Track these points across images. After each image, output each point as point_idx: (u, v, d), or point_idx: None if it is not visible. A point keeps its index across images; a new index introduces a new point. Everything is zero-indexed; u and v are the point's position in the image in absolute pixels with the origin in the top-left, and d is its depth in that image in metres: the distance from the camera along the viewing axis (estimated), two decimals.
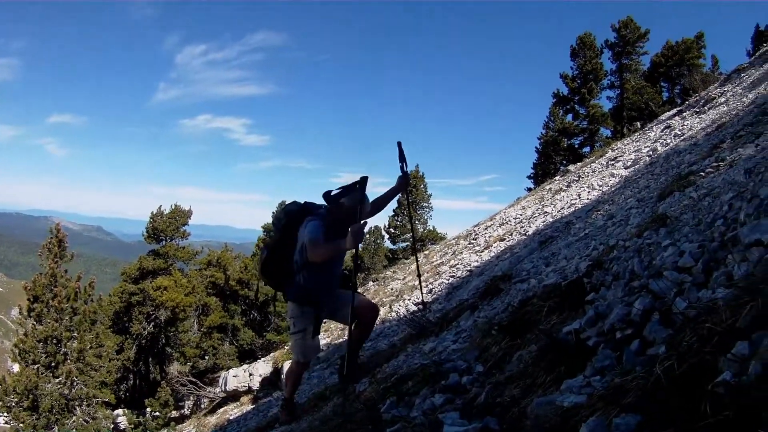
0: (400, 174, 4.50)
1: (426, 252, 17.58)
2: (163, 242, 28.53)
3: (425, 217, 36.27)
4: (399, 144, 4.51)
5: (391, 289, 13.44)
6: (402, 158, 4.49)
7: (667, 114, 17.65)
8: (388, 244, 37.23)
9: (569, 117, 36.54)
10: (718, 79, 17.85)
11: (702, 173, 5.50)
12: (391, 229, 36.48)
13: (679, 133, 11.84)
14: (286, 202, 4.50)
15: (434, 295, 9.37)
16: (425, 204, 36.17)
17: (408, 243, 34.67)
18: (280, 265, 4.24)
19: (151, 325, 26.31)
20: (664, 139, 12.13)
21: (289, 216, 4.21)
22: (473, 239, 13.59)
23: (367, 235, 35.80)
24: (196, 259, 29.79)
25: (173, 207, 29.20)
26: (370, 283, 17.05)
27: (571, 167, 17.85)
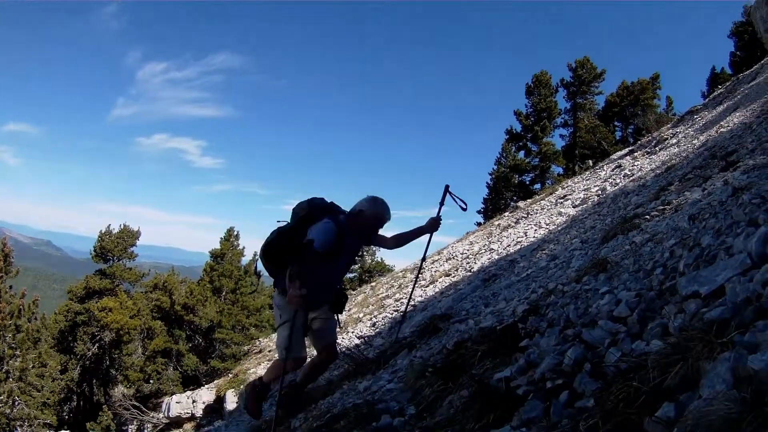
0: (434, 216, 4.81)
1: (373, 284, 18.49)
2: (111, 262, 30.59)
3: (373, 248, 36.74)
4: (446, 188, 5.05)
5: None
6: (442, 202, 4.99)
7: (619, 153, 18.77)
8: None
9: (521, 154, 39.83)
10: (672, 120, 19.31)
11: (647, 216, 5.73)
12: None
13: (629, 173, 12.58)
14: (277, 225, 4.55)
15: (377, 329, 9.85)
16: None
17: (356, 274, 35.77)
18: (283, 252, 4.31)
19: (95, 346, 27.88)
20: (614, 179, 12.90)
21: (312, 209, 4.39)
22: (421, 272, 13.89)
23: None
24: (142, 281, 31.67)
25: (122, 227, 31.29)
26: None
27: (521, 204, 18.68)
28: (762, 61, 18.84)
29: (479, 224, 28.50)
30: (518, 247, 10.82)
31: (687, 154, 10.18)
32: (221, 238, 32.91)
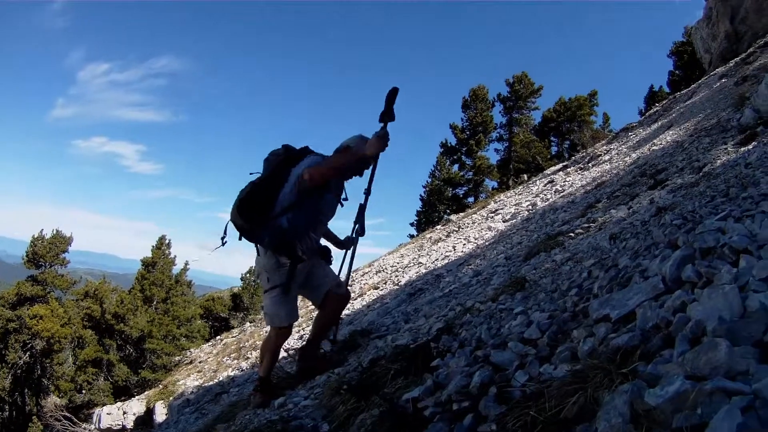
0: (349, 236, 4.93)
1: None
2: (43, 268, 31.42)
3: None
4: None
5: (265, 332, 13.89)
6: (359, 219, 4.79)
7: (553, 168, 19.54)
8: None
9: (455, 167, 42.02)
10: (607, 137, 20.32)
11: (572, 234, 5.87)
12: None
13: (560, 188, 13.09)
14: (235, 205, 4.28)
15: (304, 342, 9.67)
16: None
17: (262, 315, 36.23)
18: (261, 205, 4.17)
19: (27, 355, 28.59)
20: (545, 194, 13.39)
21: (288, 152, 4.33)
22: (349, 286, 14.10)
23: (248, 275, 39.34)
24: (74, 288, 32.45)
25: (54, 232, 32.06)
26: (247, 324, 18.61)
27: (453, 217, 19.25)
28: (700, 81, 19.95)
29: (412, 237, 29.96)
30: (446, 261, 11.15)
31: (618, 171, 10.63)
32: (153, 246, 33.91)
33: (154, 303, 31.87)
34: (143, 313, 30.40)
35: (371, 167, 4.50)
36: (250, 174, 4.33)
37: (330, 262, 4.71)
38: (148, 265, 32.98)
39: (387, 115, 4.20)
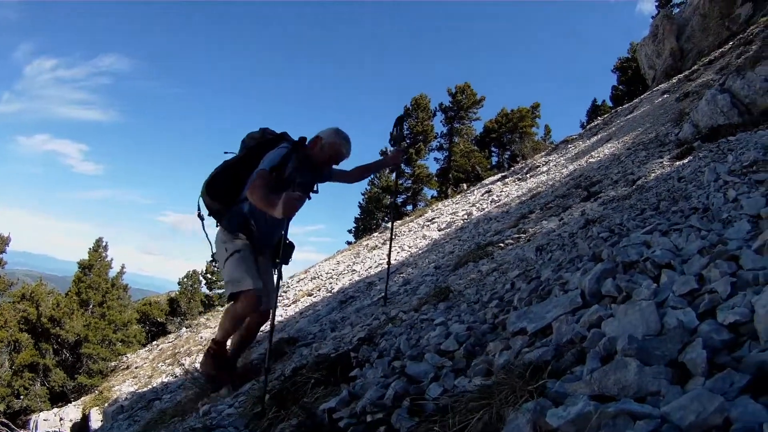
0: (397, 149, 5.08)
1: None
2: None
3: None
4: (399, 119, 5.44)
5: (201, 337, 15.04)
6: (396, 134, 4.85)
7: (491, 178, 20.02)
8: (204, 289, 42.25)
9: (394, 175, 41.91)
10: (548, 148, 21.01)
11: (501, 244, 5.94)
12: (208, 275, 41.56)
13: (497, 199, 13.38)
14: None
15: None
16: None
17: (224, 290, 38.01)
18: (230, 186, 4.21)
19: None
20: (481, 204, 13.72)
21: (265, 136, 4.34)
22: (284, 292, 15.13)
23: (185, 279, 40.54)
24: (10, 290, 32.02)
25: None
26: (183, 329, 19.27)
27: (389, 225, 19.56)
28: (642, 96, 20.69)
29: (350, 243, 30.63)
30: (379, 269, 11.36)
31: (554, 183, 10.93)
32: (90, 249, 34.07)
33: (91, 307, 31.92)
34: (79, 317, 30.31)
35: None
36: (225, 153, 4.32)
37: (286, 262, 4.39)
38: (84, 267, 32.97)
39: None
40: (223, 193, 4.21)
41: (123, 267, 36.16)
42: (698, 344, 1.51)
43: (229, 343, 4.60)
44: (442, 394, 2.18)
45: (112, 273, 34.58)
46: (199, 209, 4.27)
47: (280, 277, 3.90)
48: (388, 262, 6.50)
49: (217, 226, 4.33)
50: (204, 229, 4.36)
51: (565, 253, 3.66)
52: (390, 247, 6.74)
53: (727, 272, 1.94)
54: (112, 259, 34.48)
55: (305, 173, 4.22)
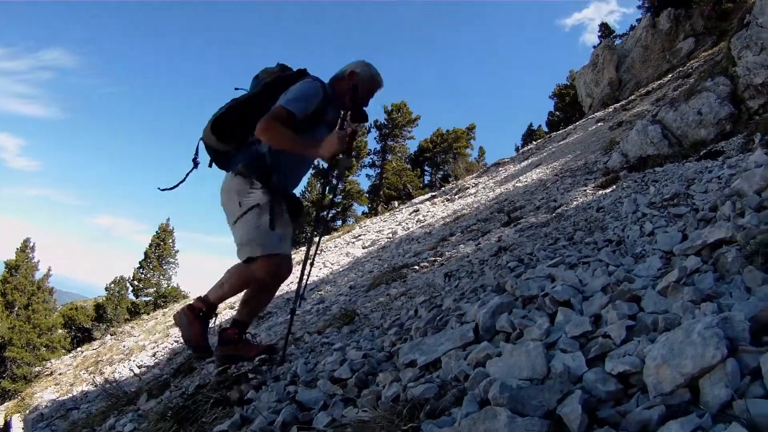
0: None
1: (166, 310, 20.33)
2: None
3: (170, 273, 42.05)
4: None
5: (124, 346, 15.07)
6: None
7: (421, 198, 20.37)
8: (131, 296, 41.85)
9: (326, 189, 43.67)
10: (480, 170, 21.50)
11: (417, 267, 5.90)
12: (135, 281, 41.29)
13: (423, 218, 13.52)
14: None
15: (157, 359, 10.52)
16: (171, 260, 42.42)
17: (151, 298, 39.74)
18: (241, 124, 3.64)
19: None
20: (407, 223, 13.82)
21: (284, 71, 3.85)
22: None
23: (112, 285, 40.11)
24: None
25: None
26: (108, 336, 19.51)
27: (315, 239, 19.92)
28: (577, 123, 21.30)
29: None
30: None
31: (479, 206, 11.10)
32: (17, 249, 34.12)
33: (16, 309, 31.91)
34: (4, 320, 30.32)
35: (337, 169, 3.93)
36: (236, 90, 3.84)
37: (298, 216, 4.01)
38: (11, 268, 32.97)
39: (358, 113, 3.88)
40: (233, 133, 3.70)
41: (50, 269, 36.26)
42: (576, 397, 1.40)
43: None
44: (329, 424, 2.16)
45: (39, 275, 34.73)
46: (196, 154, 3.75)
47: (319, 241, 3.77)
48: (301, 277, 6.23)
49: (226, 170, 3.78)
50: (185, 176, 3.80)
51: (471, 281, 3.60)
52: (303, 265, 6.46)
53: (626, 314, 1.86)
54: (39, 261, 34.75)
55: (335, 111, 3.88)
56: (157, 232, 42.99)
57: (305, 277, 4.04)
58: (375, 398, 2.18)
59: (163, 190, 3.84)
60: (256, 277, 3.63)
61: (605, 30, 40.28)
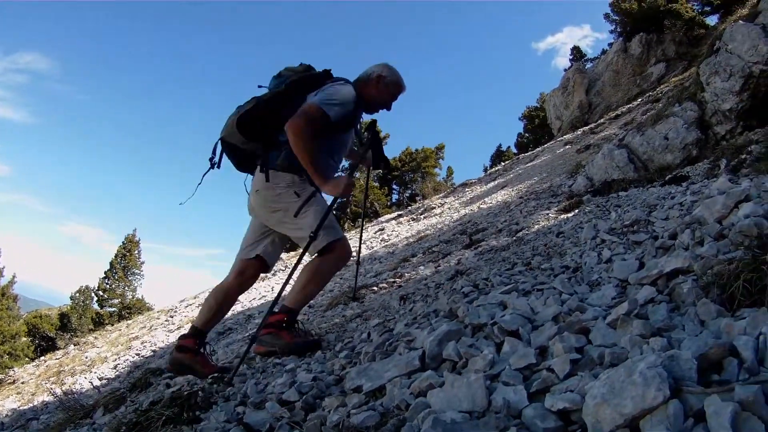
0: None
1: (129, 321, 20.59)
2: None
3: (135, 284, 42.44)
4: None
5: (87, 357, 15.05)
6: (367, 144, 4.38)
7: (387, 216, 20.51)
8: (96, 306, 41.97)
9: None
10: (447, 190, 21.70)
11: (375, 288, 5.88)
12: (100, 292, 41.45)
13: (387, 237, 13.58)
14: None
15: (118, 372, 10.45)
16: (137, 271, 42.79)
17: (115, 309, 40.08)
18: (267, 122, 3.71)
19: None
20: (371, 242, 13.87)
21: (309, 71, 3.89)
22: (171, 316, 15.65)
23: (77, 294, 40.26)
24: None
25: None
26: (72, 346, 19.49)
27: (283, 256, 19.85)
28: (545, 145, 21.57)
29: None
30: (262, 301, 11.46)
31: (443, 226, 11.18)
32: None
33: None
34: None
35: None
36: (259, 87, 3.87)
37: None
38: None
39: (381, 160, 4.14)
40: (260, 131, 3.74)
41: (14, 276, 36.57)
42: None
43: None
44: None
45: (4, 281, 35.05)
46: (213, 155, 3.78)
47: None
48: (358, 259, 6.15)
49: (261, 170, 3.76)
50: (201, 177, 3.87)
51: (425, 306, 3.56)
52: (360, 244, 6.45)
53: (573, 347, 1.82)
54: (4, 267, 35.00)
55: (360, 115, 4.02)
56: (123, 242, 43.20)
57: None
58: (320, 423, 2.14)
59: (182, 203, 4.05)
60: (340, 260, 3.79)
61: (577, 53, 41.04)
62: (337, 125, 3.65)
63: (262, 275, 4.43)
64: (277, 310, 3.83)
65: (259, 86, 3.90)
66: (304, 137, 3.46)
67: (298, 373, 3.04)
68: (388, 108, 4.05)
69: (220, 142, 3.75)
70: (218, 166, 3.81)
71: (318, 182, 3.59)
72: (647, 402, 1.27)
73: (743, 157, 5.57)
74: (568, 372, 1.67)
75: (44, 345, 35.38)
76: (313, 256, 3.77)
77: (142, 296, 42.42)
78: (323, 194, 3.77)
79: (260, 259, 3.96)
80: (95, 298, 42.53)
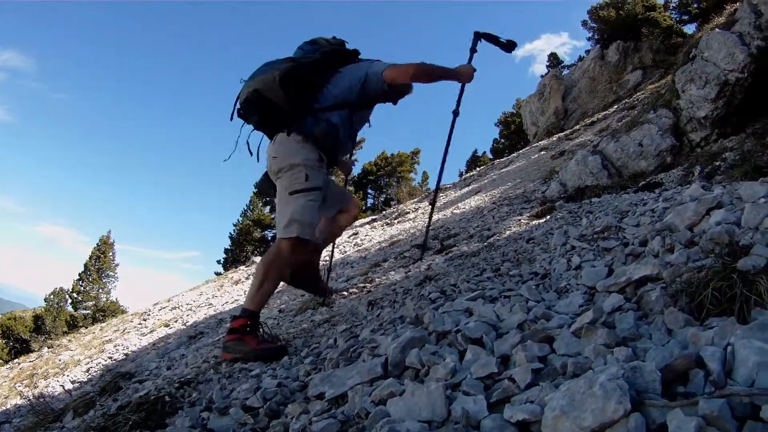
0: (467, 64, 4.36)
1: (103, 324, 20.37)
2: None
3: (109, 287, 43.21)
4: (476, 34, 4.65)
5: (60, 360, 14.85)
6: (473, 49, 4.58)
7: (361, 221, 20.61)
8: (69, 308, 42.51)
9: (267, 209, 44.44)
10: (422, 194, 21.81)
11: (345, 293, 5.85)
12: (74, 294, 42.09)
13: (360, 242, 13.61)
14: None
15: (90, 376, 10.24)
16: (111, 273, 43.44)
17: (90, 311, 40.74)
18: (311, 86, 3.75)
19: None
20: (344, 247, 13.93)
21: (342, 45, 3.99)
22: (144, 320, 15.62)
23: (51, 296, 40.88)
24: None
25: None
26: (45, 349, 19.05)
27: (257, 259, 19.96)
28: (520, 151, 21.73)
29: (218, 275, 31.45)
30: (234, 305, 11.37)
31: (415, 231, 11.23)
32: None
33: None
34: None
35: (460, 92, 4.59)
36: (241, 82, 3.83)
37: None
38: None
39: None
40: (302, 92, 3.71)
41: None
42: None
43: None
44: None
45: None
46: (233, 110, 3.79)
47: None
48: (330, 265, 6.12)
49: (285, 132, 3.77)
50: (248, 140, 3.93)
51: (392, 312, 3.56)
52: (333, 248, 6.43)
53: (536, 356, 1.81)
54: None
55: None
56: (97, 244, 43.36)
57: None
58: (283, 430, 2.15)
59: (226, 160, 3.99)
60: (284, 254, 3.79)
61: (554, 60, 41.51)
62: (377, 98, 3.86)
63: (235, 278, 4.56)
64: (237, 315, 3.83)
65: (242, 80, 3.83)
66: (424, 70, 3.68)
67: (264, 378, 3.03)
68: (395, 102, 4.07)
69: (248, 93, 3.68)
70: (245, 120, 3.84)
71: (450, 73, 3.96)
72: (607, 415, 1.24)
73: (717, 164, 5.62)
74: (529, 382, 1.64)
75: (18, 347, 35.39)
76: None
77: (116, 299, 42.75)
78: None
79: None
80: (69, 301, 42.66)
